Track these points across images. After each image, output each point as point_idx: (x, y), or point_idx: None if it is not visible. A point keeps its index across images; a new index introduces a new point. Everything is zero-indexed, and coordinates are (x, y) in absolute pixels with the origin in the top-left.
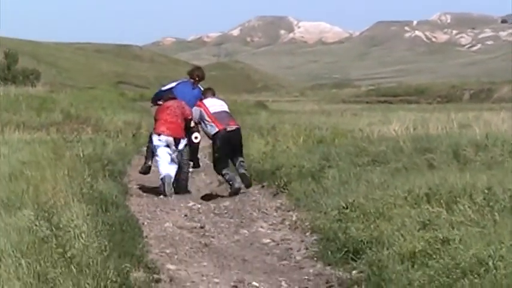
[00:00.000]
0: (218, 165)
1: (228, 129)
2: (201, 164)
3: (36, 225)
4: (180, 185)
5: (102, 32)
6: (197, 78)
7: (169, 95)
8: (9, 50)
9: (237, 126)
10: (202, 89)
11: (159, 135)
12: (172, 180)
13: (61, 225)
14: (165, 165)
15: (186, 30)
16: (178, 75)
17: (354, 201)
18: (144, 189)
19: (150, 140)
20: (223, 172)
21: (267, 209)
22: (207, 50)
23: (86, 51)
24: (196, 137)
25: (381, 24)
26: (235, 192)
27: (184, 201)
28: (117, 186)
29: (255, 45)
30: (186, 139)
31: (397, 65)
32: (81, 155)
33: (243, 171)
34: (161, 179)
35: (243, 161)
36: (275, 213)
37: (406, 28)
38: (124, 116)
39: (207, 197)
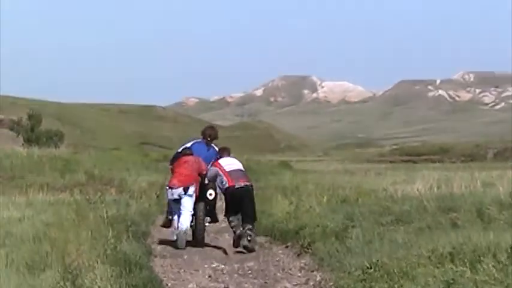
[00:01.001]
0: (227, 213)
1: (237, 186)
2: (219, 218)
3: (61, 286)
4: (197, 238)
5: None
6: (209, 138)
7: (187, 151)
8: (33, 111)
9: (246, 183)
10: (216, 148)
11: (171, 189)
12: (185, 230)
13: (85, 287)
14: (179, 219)
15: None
16: (200, 134)
17: (377, 261)
18: (167, 250)
19: (166, 194)
20: (230, 219)
21: (291, 269)
22: (230, 110)
23: (110, 112)
24: (210, 194)
25: (404, 83)
26: (238, 237)
27: (209, 262)
28: (141, 247)
29: (278, 105)
30: (194, 186)
31: (420, 124)
32: (105, 216)
33: (245, 243)
34: (176, 234)
35: (250, 229)
36: (299, 274)
37: (430, 87)
38: (148, 177)
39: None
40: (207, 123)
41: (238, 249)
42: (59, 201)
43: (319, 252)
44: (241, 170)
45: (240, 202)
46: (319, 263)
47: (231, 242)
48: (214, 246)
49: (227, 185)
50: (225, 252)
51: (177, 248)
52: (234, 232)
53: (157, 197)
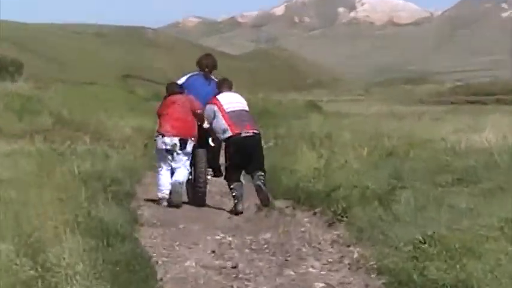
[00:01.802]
0: (228, 175)
1: (244, 134)
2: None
3: (16, 264)
4: (197, 195)
5: (105, 12)
6: (206, 69)
7: (174, 88)
8: None
9: (254, 131)
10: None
11: (162, 136)
12: (181, 182)
13: (49, 264)
14: (166, 179)
15: (214, 8)
16: None
17: (433, 233)
18: (158, 216)
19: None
20: (232, 186)
21: (319, 243)
22: (242, 34)
23: (84, 36)
24: (213, 140)
25: (469, 1)
26: (236, 214)
27: (212, 233)
28: (124, 212)
29: (304, 28)
30: (194, 141)
31: (490, 55)
32: (76, 171)
33: (259, 182)
34: (159, 198)
35: (262, 175)
36: (331, 249)
37: (503, 5)
38: (133, 121)
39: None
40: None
41: (252, 215)
42: (15, 152)
43: (357, 221)
44: (245, 111)
45: (249, 156)
46: (357, 235)
47: (234, 207)
48: (219, 209)
49: (229, 133)
50: (236, 213)
51: (171, 205)
52: (234, 206)
53: (146, 147)
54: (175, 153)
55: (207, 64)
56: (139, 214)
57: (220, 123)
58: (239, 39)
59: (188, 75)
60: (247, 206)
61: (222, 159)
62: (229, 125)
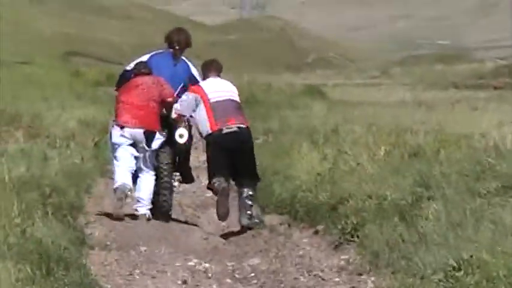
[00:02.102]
0: (210, 176)
1: (225, 130)
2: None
3: None
4: (160, 208)
5: None
6: (178, 47)
7: (141, 68)
8: None
9: (240, 125)
10: (191, 66)
11: (121, 128)
12: (144, 200)
13: None
14: (124, 175)
15: None
16: None
17: (471, 257)
18: (114, 236)
19: (110, 136)
20: (213, 181)
21: (322, 271)
22: None
23: (14, 1)
24: (181, 135)
25: None
26: (221, 201)
27: (182, 258)
28: (68, 231)
29: None
30: (163, 133)
31: None
32: (7, 178)
33: (245, 221)
34: (114, 189)
35: (251, 195)
36: (337, 278)
37: None
38: (80, 112)
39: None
40: (184, 20)
41: (235, 235)
42: None
43: (372, 242)
44: (233, 101)
45: (232, 155)
46: (372, 260)
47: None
48: (192, 226)
49: (209, 129)
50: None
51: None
52: (215, 191)
53: (96, 145)
54: (140, 150)
55: (178, 40)
56: (88, 234)
57: (202, 117)
58: (217, 4)
59: (152, 53)
60: (229, 222)
61: (194, 161)
62: (209, 118)
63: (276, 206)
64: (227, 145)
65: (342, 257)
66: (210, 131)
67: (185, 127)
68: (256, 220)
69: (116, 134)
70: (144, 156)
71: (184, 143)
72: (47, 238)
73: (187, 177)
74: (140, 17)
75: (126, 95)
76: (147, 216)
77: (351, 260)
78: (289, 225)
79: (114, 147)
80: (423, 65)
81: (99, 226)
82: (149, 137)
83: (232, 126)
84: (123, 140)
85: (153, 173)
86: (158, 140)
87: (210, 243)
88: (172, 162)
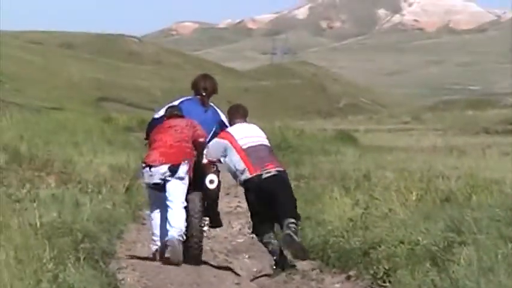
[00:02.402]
0: (256, 227)
1: (265, 175)
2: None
3: None
4: (192, 251)
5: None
6: (204, 93)
7: (174, 111)
8: None
9: (278, 169)
10: (218, 110)
11: (149, 167)
12: (178, 236)
13: None
14: (160, 223)
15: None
16: None
17: None
18: (146, 282)
19: (142, 176)
20: (264, 240)
21: None
22: (253, 43)
23: (46, 47)
24: (211, 181)
25: None
26: (281, 268)
27: None
28: (100, 277)
29: (335, 36)
30: (187, 163)
31: None
32: (38, 223)
33: (288, 231)
34: (165, 241)
35: (293, 223)
36: None
37: None
38: (111, 157)
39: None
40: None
41: (267, 280)
42: None
43: (404, 287)
44: (265, 146)
45: (273, 199)
46: None
47: (276, 264)
48: (224, 271)
49: (248, 175)
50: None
51: (168, 260)
52: (275, 261)
53: (127, 190)
54: (167, 184)
55: (204, 87)
56: (120, 279)
57: (235, 162)
58: (249, 50)
59: (181, 100)
60: (261, 267)
61: (222, 205)
62: (246, 164)
63: (308, 251)
64: (268, 189)
65: None
66: (248, 177)
67: (215, 173)
68: (295, 236)
69: (146, 175)
70: (172, 186)
71: (214, 188)
72: (79, 284)
73: (216, 222)
74: (170, 63)
75: (159, 134)
76: (180, 239)
77: None
78: (321, 271)
79: (147, 191)
80: (454, 110)
81: (131, 271)
82: (173, 170)
83: (271, 170)
84: (153, 180)
85: (183, 204)
86: (183, 167)
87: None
88: (202, 207)
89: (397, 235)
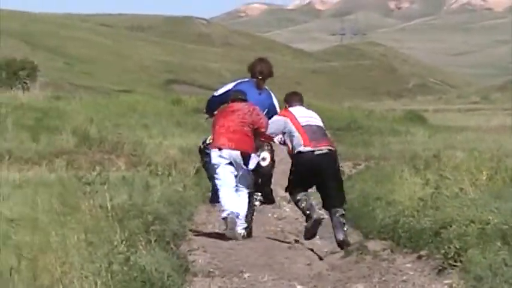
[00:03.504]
0: (292, 188)
1: (317, 151)
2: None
3: None
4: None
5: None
6: (260, 76)
7: (238, 95)
8: None
9: (330, 147)
10: (273, 96)
11: (219, 149)
12: (241, 219)
13: None
14: (229, 195)
15: None
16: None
17: None
18: (217, 263)
19: (208, 159)
20: (297, 197)
21: None
22: (321, 25)
23: (115, 30)
24: (264, 158)
25: None
26: (314, 225)
27: (286, 284)
28: (171, 259)
29: (403, 17)
30: (257, 154)
31: None
32: (109, 206)
33: (341, 237)
34: (223, 218)
35: (342, 215)
36: None
37: None
38: (181, 140)
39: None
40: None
41: (338, 260)
42: (30, 181)
43: (475, 266)
44: (321, 127)
45: (319, 176)
46: (475, 284)
47: (308, 219)
48: (297, 251)
49: (302, 147)
50: (312, 227)
51: (231, 238)
52: (307, 215)
53: (197, 172)
54: (238, 170)
55: (261, 70)
56: (191, 261)
57: (292, 137)
58: (318, 31)
59: (237, 82)
60: (332, 248)
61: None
62: (303, 138)
63: (378, 232)
64: (317, 166)
65: (445, 281)
66: (303, 150)
67: (268, 151)
68: (345, 235)
69: (215, 155)
70: (241, 176)
71: (267, 166)
72: (150, 266)
73: (268, 198)
74: (239, 44)
75: (222, 119)
76: (242, 234)
77: (454, 285)
78: (392, 251)
79: (214, 168)
80: None
81: (202, 253)
82: (246, 158)
83: (323, 148)
84: (222, 160)
85: (247, 192)
86: (253, 160)
87: (314, 269)
88: (254, 183)
89: (467, 215)
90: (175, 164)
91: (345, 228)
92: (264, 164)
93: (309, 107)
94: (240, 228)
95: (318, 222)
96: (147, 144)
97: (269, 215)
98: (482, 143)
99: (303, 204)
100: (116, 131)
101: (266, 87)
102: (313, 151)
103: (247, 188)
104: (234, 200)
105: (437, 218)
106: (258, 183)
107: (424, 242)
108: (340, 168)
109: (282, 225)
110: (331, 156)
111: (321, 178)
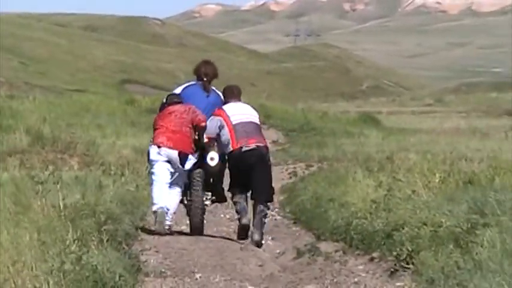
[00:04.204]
0: (232, 188)
1: (244, 148)
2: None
3: None
4: (194, 224)
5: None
6: (205, 78)
7: (174, 98)
8: None
9: (258, 144)
10: (219, 93)
11: (158, 147)
12: (169, 215)
13: None
14: (161, 190)
15: None
16: (226, 69)
17: None
18: (169, 263)
19: (148, 156)
20: (235, 199)
21: None
22: (276, 26)
23: (70, 29)
24: (212, 158)
25: None
26: (242, 229)
27: (238, 285)
28: (123, 259)
29: (358, 18)
30: (195, 156)
31: None
32: (61, 205)
33: (257, 237)
34: (153, 212)
35: (263, 211)
36: None
37: None
38: (134, 139)
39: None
40: (237, 48)
41: (290, 262)
42: None
43: (428, 268)
44: (253, 123)
45: (250, 173)
46: (428, 286)
47: (239, 221)
48: (248, 253)
49: (231, 147)
50: (241, 229)
51: (159, 232)
52: (238, 220)
53: None
54: (174, 170)
55: (206, 72)
56: (143, 261)
57: (225, 137)
58: (273, 32)
59: (184, 86)
60: (284, 249)
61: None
62: (231, 138)
63: (331, 233)
64: (245, 162)
65: (398, 284)
66: (231, 149)
67: (216, 151)
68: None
69: (153, 152)
70: (177, 175)
71: (216, 165)
72: (102, 265)
73: (219, 197)
74: (194, 45)
75: (161, 121)
76: (168, 228)
77: (406, 287)
78: (344, 252)
79: (151, 164)
80: (477, 92)
81: (154, 253)
82: (183, 158)
83: (251, 145)
84: (160, 157)
85: (180, 190)
86: (190, 161)
87: (266, 270)
88: (205, 183)
89: (420, 217)
90: (128, 164)
91: (263, 230)
92: (212, 163)
93: (245, 102)
94: (167, 223)
95: (244, 227)
96: (100, 144)
97: (221, 215)
98: (435, 146)
99: (237, 206)
100: (69, 131)
101: (213, 88)
102: (241, 148)
103: (180, 188)
104: (165, 195)
105: (389, 220)
106: (209, 182)
107: (377, 244)
108: (270, 164)
109: (233, 226)
110: (259, 153)
111: (250, 173)
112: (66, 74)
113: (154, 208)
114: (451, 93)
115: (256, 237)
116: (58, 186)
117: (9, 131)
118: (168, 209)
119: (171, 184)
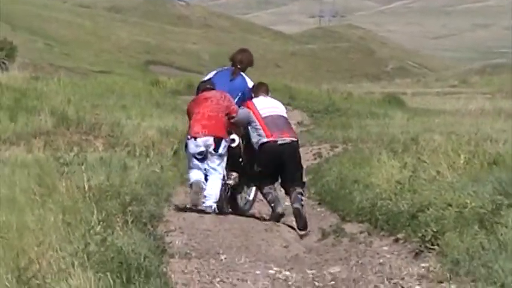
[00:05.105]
0: (259, 181)
1: (280, 141)
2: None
3: None
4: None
5: None
6: (239, 65)
7: (207, 84)
8: None
9: (292, 138)
10: (247, 79)
11: (194, 139)
12: (215, 197)
13: None
14: (196, 172)
15: None
16: (251, 50)
17: None
18: (194, 245)
19: (186, 148)
20: (264, 191)
21: (403, 279)
22: (299, 7)
23: (95, 10)
24: (233, 140)
25: None
26: (276, 219)
27: (263, 266)
28: (148, 240)
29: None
30: (228, 140)
31: None
32: (86, 187)
33: (297, 205)
34: (189, 184)
35: (300, 193)
36: (417, 286)
37: None
38: (159, 121)
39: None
40: (262, 29)
41: (315, 243)
42: (7, 162)
43: (452, 249)
44: (283, 117)
45: (282, 166)
46: (452, 268)
47: (273, 211)
48: (272, 234)
49: (265, 139)
50: (276, 218)
51: (195, 204)
52: (272, 210)
53: (175, 154)
54: (209, 155)
55: (241, 60)
56: (168, 242)
57: (255, 128)
58: (297, 14)
59: (217, 70)
60: (309, 230)
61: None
62: (264, 130)
63: (356, 214)
64: (280, 154)
65: (422, 265)
66: (265, 140)
67: (237, 133)
68: (303, 209)
69: (191, 145)
70: (212, 160)
71: (237, 146)
72: (127, 247)
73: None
74: (218, 26)
75: (197, 107)
76: (212, 208)
77: (431, 268)
78: (369, 234)
79: (188, 157)
80: (502, 74)
81: (179, 234)
82: (217, 142)
83: (285, 138)
84: (198, 149)
85: (220, 175)
86: (223, 145)
87: (291, 252)
88: (232, 163)
89: (445, 198)
90: (153, 145)
91: (302, 203)
92: (233, 145)
93: (273, 97)
94: (211, 202)
95: (281, 215)
96: (125, 125)
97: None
98: (460, 127)
99: (269, 197)
100: (93, 112)
101: (242, 73)
102: (276, 141)
103: (219, 172)
104: (201, 176)
105: (414, 201)
106: (238, 163)
107: (402, 225)
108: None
109: (258, 207)
110: (293, 147)
111: (283, 167)
112: (90, 55)
113: (191, 181)
114: (475, 74)
115: (297, 205)
116: (83, 167)
117: (34, 112)
118: (204, 182)
119: (210, 171)
